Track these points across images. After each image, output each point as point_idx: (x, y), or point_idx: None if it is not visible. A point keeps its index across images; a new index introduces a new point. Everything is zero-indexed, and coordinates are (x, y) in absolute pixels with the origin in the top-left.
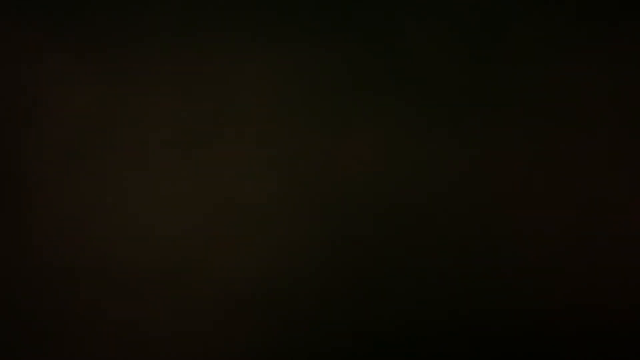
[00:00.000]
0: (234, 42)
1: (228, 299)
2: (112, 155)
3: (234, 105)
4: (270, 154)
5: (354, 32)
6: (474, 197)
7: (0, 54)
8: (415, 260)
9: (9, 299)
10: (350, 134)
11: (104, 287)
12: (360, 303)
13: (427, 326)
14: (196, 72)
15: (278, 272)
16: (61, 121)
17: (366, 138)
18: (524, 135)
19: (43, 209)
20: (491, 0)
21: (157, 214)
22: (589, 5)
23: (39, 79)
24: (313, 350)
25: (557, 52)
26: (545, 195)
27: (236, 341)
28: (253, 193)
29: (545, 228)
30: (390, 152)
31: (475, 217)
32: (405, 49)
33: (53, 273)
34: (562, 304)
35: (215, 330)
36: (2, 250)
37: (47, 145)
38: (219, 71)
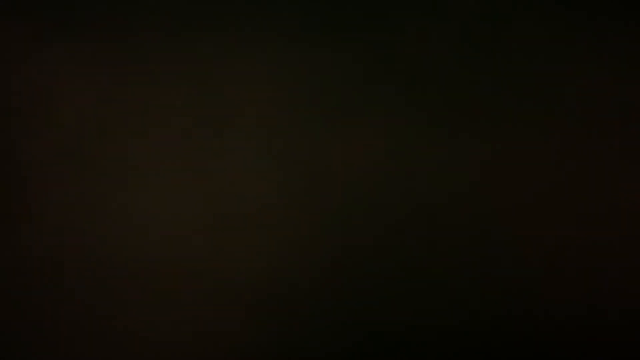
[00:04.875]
0: (236, 43)
1: (229, 300)
2: (112, 155)
3: (236, 105)
4: (273, 155)
5: (357, 32)
6: (479, 197)
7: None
8: (418, 262)
9: (9, 298)
10: (355, 135)
11: (104, 287)
12: (362, 304)
13: (429, 327)
14: (197, 72)
15: (281, 274)
16: (61, 120)
17: (370, 139)
18: (530, 135)
19: (43, 209)
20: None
21: (158, 215)
22: (594, 3)
23: (39, 79)
24: (314, 351)
25: (563, 52)
26: (551, 195)
27: (237, 342)
28: (256, 193)
29: (550, 228)
30: (394, 153)
31: (481, 218)
32: (410, 49)
33: (54, 273)
34: (570, 308)
35: (216, 331)
36: (2, 251)
37: (46, 144)
38: (220, 71)
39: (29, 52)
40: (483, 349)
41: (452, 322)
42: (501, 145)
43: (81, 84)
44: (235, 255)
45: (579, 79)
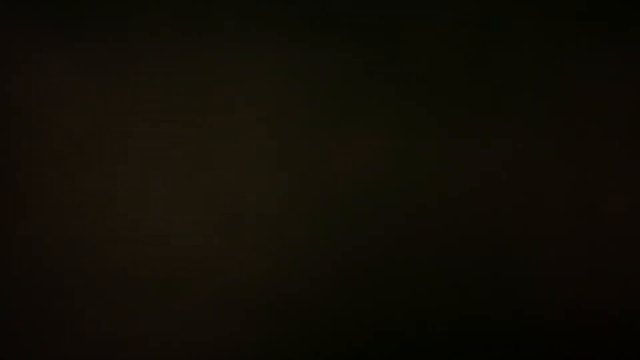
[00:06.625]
0: (235, 42)
1: (230, 301)
2: (112, 156)
3: (237, 105)
4: (274, 155)
5: (357, 32)
6: (480, 197)
7: None
8: (420, 263)
9: (8, 298)
10: (355, 135)
11: (104, 288)
12: (363, 305)
13: (431, 328)
14: (197, 73)
15: (282, 275)
16: (61, 120)
17: (370, 139)
18: (531, 134)
19: (43, 209)
20: None
21: (158, 215)
22: (594, 3)
23: (39, 79)
24: (315, 352)
25: (563, 52)
26: (552, 194)
27: (238, 343)
28: (256, 193)
29: (552, 228)
30: (395, 153)
31: (482, 218)
32: (410, 49)
33: (53, 273)
34: (575, 309)
35: (217, 332)
36: (1, 250)
37: (46, 144)
38: (220, 71)
39: (29, 52)
40: (483, 349)
41: (454, 323)
42: (502, 144)
43: (81, 84)
44: (235, 256)
45: (580, 78)
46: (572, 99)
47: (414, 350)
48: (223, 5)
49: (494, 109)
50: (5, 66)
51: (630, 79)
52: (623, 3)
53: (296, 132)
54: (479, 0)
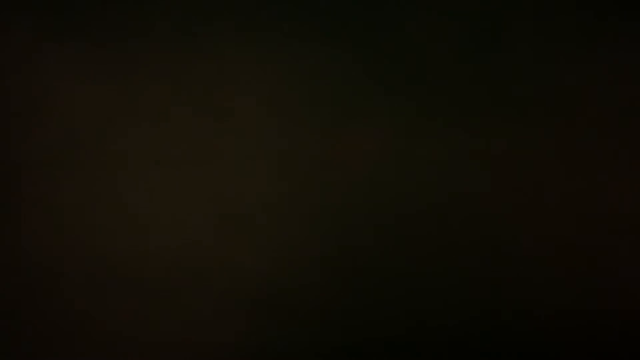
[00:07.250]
0: (236, 42)
1: (230, 300)
2: (112, 156)
3: (237, 105)
4: (274, 155)
5: (357, 31)
6: (480, 196)
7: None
8: (421, 263)
9: (8, 298)
10: (354, 134)
11: (103, 288)
12: (363, 304)
13: (431, 327)
14: (197, 73)
15: (282, 274)
16: (61, 120)
17: (371, 138)
18: (531, 134)
19: (43, 210)
20: None
21: (158, 215)
22: (594, 3)
23: (38, 77)
24: (315, 352)
25: (563, 52)
26: (552, 194)
27: (237, 342)
28: (256, 193)
29: (552, 228)
30: (395, 152)
31: (482, 218)
32: (410, 48)
33: (54, 273)
34: (574, 308)
35: (217, 331)
36: (1, 252)
37: (46, 144)
38: (220, 71)
39: (29, 52)
40: (483, 349)
41: (454, 323)
42: (502, 144)
43: (81, 84)
44: (235, 256)
45: (579, 78)
46: (571, 98)
47: (415, 350)
48: (223, 5)
49: (493, 108)
50: (5, 66)
51: (630, 79)
52: (622, 3)
53: (296, 131)
54: (479, 0)
